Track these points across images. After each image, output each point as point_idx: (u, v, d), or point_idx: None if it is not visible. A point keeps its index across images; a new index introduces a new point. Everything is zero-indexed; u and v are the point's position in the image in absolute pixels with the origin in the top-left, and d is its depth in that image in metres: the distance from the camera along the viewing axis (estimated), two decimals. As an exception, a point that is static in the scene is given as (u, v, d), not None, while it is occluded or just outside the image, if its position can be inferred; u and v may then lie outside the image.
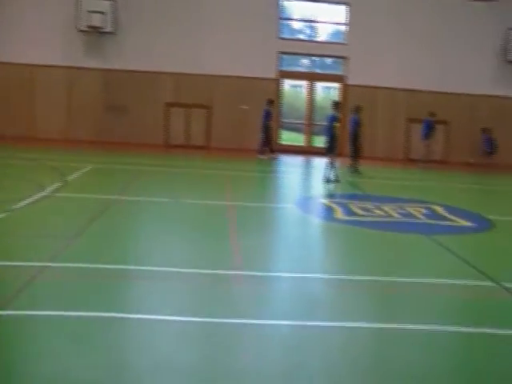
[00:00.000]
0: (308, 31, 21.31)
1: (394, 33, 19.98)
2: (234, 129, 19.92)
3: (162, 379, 3.89)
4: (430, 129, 18.62)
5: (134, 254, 6.85)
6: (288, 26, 21.12)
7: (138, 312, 4.96)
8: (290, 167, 17.13)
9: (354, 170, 15.26)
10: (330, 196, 11.98)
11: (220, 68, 19.68)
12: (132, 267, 6.25)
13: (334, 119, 13.62)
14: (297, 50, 20.61)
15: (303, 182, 13.91)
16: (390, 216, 9.70)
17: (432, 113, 18.68)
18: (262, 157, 17.57)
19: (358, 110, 15.24)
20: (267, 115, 17.82)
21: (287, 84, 22.45)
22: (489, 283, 6.45)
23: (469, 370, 4.43)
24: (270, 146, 17.94)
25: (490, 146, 19.23)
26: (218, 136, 19.97)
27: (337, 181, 13.21)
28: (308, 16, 20.88)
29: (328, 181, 13.19)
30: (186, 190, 11.32)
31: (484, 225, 9.61)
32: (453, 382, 4.25)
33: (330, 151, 13.48)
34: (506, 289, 6.27)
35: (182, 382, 3.89)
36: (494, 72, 20.40)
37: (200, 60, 19.59)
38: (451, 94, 20.07)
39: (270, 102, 18.01)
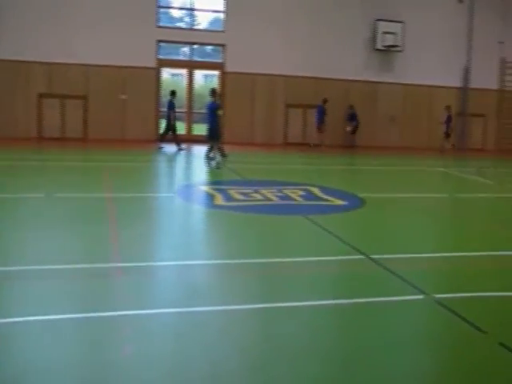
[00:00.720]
0: (187, 19, 21.18)
1: (272, 20, 20.39)
2: (113, 119, 19.41)
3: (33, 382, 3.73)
4: (322, 114, 19.50)
5: (1, 255, 6.48)
6: (167, 14, 20.84)
7: (7, 316, 4.71)
8: (172, 156, 17.00)
9: (222, 154, 15.55)
10: (210, 183, 12.06)
11: (95, 57, 19.03)
12: (0, 269, 5.92)
13: (215, 107, 13.74)
14: (176, 39, 20.44)
15: (184, 170, 13.90)
16: (269, 199, 9.96)
17: (325, 99, 19.56)
18: (162, 145, 17.56)
19: (213, 94, 14.49)
20: (170, 106, 17.60)
21: (167, 73, 22.21)
22: (360, 257, 6.85)
23: (349, 341, 4.70)
24: (176, 138, 17.71)
25: (355, 122, 20.30)
26: (95, 127, 19.35)
27: (218, 167, 13.39)
28: (186, 4, 20.72)
29: (210, 160, 13.56)
30: (62, 184, 10.88)
31: (356, 203, 10.17)
32: (332, 354, 4.47)
33: (213, 139, 13.66)
34: (375, 260, 6.69)
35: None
36: (365, 59, 21.50)
37: (74, 49, 18.82)
38: (327, 79, 20.89)
39: (173, 93, 17.70)
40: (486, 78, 22.17)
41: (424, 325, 5.18)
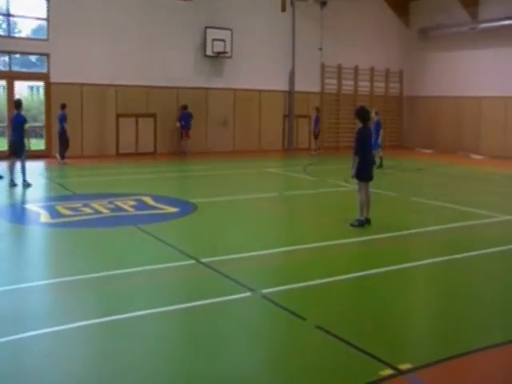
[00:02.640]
0: (4, 26, 19.74)
1: (100, 28, 19.80)
2: None
3: None
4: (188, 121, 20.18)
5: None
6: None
7: None
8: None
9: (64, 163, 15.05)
10: (34, 200, 11.34)
11: None
12: None
13: (22, 120, 13.10)
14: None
15: (6, 189, 12.86)
16: (99, 212, 9.72)
17: (184, 105, 20.05)
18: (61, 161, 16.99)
19: (18, 105, 13.53)
20: (62, 119, 16.81)
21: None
22: (191, 261, 6.97)
23: (185, 343, 4.85)
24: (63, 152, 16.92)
25: (187, 125, 20.51)
26: None
27: (14, 184, 12.76)
28: (2, 9, 19.32)
29: (13, 184, 12.73)
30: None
31: (188, 209, 10.31)
32: (176, 358, 4.51)
33: (16, 153, 13.00)
34: (205, 264, 6.85)
35: None
36: (195, 66, 21.80)
37: None
38: (158, 87, 20.83)
39: (64, 106, 16.42)
40: (309, 82, 23.71)
41: (251, 319, 5.45)
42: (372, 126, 16.86)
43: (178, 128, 20.60)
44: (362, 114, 9.02)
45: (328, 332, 4.96)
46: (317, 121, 21.74)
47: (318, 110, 21.87)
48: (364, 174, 8.88)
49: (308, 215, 10.40)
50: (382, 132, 16.78)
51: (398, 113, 26.23)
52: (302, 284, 6.27)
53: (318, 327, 5.06)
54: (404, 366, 4.33)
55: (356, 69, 24.94)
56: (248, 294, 5.91)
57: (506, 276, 6.96)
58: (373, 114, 17.01)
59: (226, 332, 5.05)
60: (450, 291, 6.35)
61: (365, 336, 4.96)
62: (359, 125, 9.00)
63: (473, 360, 4.64)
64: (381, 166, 16.32)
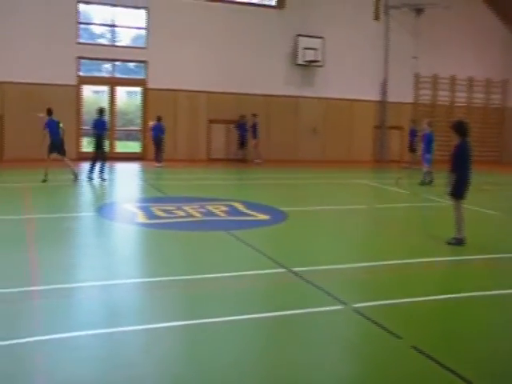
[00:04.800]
0: (109, 36, 20.86)
1: (193, 37, 20.45)
2: (31, 138, 18.69)
3: None
4: (255, 128, 20.07)
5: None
6: (87, 30, 20.46)
7: None
8: (92, 174, 16.56)
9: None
10: (133, 201, 11.87)
11: (11, 74, 18.38)
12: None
13: (105, 124, 14.76)
14: (97, 55, 20.08)
15: (105, 188, 13.61)
16: (192, 216, 9.95)
17: (254, 114, 19.88)
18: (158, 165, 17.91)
19: (101, 112, 14.99)
20: (160, 130, 17.82)
21: (89, 90, 21.76)
22: (282, 270, 6.96)
23: (274, 355, 4.79)
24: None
25: (254, 134, 20.52)
26: (11, 146, 18.63)
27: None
28: (107, 20, 20.41)
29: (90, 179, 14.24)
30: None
31: (279, 217, 10.33)
32: (258, 370, 4.52)
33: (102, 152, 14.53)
34: (296, 273, 6.82)
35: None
36: (286, 74, 21.94)
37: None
38: (248, 94, 21.15)
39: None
40: (402, 92, 23.18)
41: (343, 332, 5.33)
42: (422, 137, 16.18)
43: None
44: (461, 128, 8.63)
45: (423, 353, 4.77)
46: (412, 134, 20.68)
47: (413, 122, 21.01)
48: (460, 192, 8.51)
49: (399, 230, 10.13)
50: (433, 145, 15.73)
51: (498, 126, 25.03)
52: (393, 301, 6.08)
53: (414, 347, 4.89)
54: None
55: (453, 78, 24.10)
56: (340, 306, 5.81)
57: None
58: (425, 125, 16.34)
59: (316, 343, 4.99)
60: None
61: (461, 360, 4.73)
62: (457, 140, 8.64)
63: None
64: (429, 182, 15.33)
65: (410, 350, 4.86)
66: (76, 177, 14.10)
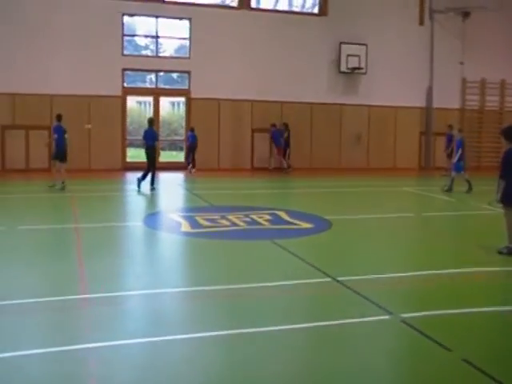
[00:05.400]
0: (152, 47, 21.25)
1: (236, 46, 20.63)
2: (79, 149, 19.20)
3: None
4: (282, 137, 19.85)
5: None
6: (132, 42, 20.91)
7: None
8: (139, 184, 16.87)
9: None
10: (177, 210, 11.98)
11: (60, 86, 18.93)
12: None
13: (155, 134, 15.03)
14: (141, 66, 20.48)
15: (151, 198, 13.80)
16: (236, 225, 9.96)
17: (285, 123, 19.94)
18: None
19: (151, 122, 15.24)
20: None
21: (133, 100, 22.20)
22: (327, 279, 6.87)
23: (321, 365, 4.71)
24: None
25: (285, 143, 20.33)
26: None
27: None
28: (152, 32, 20.80)
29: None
30: (24, 216, 10.72)
31: (323, 225, 10.23)
32: (309, 376, 4.47)
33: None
34: (342, 282, 6.73)
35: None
36: (329, 82, 21.85)
37: (40, 79, 18.68)
38: (292, 102, 21.14)
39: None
40: (448, 98, 22.72)
41: (391, 343, 5.22)
42: (454, 144, 15.61)
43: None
44: (511, 133, 8.39)
45: (475, 367, 4.61)
46: (449, 139, 19.60)
47: (450, 127, 19.86)
48: (511, 199, 8.23)
49: (447, 239, 9.88)
50: (460, 151, 15.13)
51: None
52: (441, 311, 5.91)
53: (465, 360, 4.73)
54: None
55: (502, 83, 23.48)
56: (387, 316, 5.69)
57: None
58: (455, 131, 15.71)
59: (362, 354, 4.89)
60: None
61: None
62: (507, 146, 8.37)
63: None
64: (469, 190, 14.95)
65: (460, 363, 4.71)
66: (63, 187, 14.15)
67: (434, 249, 9.20)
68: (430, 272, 7.50)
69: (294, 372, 4.55)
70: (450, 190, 15.17)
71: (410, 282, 7.10)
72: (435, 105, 22.55)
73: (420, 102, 22.71)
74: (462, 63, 22.33)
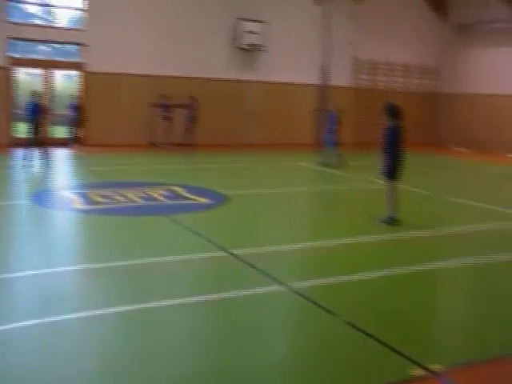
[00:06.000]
0: (44, 16, 20.02)
1: (135, 20, 19.99)
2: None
3: None
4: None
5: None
6: (20, 9, 19.58)
7: None
8: (26, 161, 16.00)
9: None
10: (69, 187, 11.54)
11: None
12: None
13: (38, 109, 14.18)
14: (31, 36, 19.27)
15: (40, 175, 13.13)
16: (132, 201, 9.82)
17: (191, 96, 19.50)
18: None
19: (33, 95, 14.35)
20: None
21: (25, 73, 20.90)
22: (222, 253, 6.98)
23: (217, 334, 4.86)
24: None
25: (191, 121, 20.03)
26: None
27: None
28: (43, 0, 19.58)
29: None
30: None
31: (220, 200, 10.33)
32: (203, 348, 4.57)
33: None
34: (236, 256, 6.86)
35: None
36: (228, 58, 21.82)
37: None
38: (192, 78, 20.89)
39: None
40: (341, 76, 23.49)
41: (280, 312, 5.43)
42: (327, 119, 16.15)
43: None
44: (392, 110, 8.88)
45: (358, 329, 4.92)
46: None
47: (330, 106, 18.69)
48: (393, 172, 8.76)
49: (337, 210, 10.34)
50: (335, 128, 15.72)
51: (432, 110, 25.83)
52: (331, 279, 6.23)
53: (349, 323, 5.03)
54: (435, 367, 4.27)
55: (390, 64, 24.64)
56: (278, 287, 5.90)
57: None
58: (330, 107, 16.35)
59: (254, 324, 5.06)
60: (480, 292, 6.25)
61: (396, 334, 4.91)
62: (389, 122, 8.85)
63: (508, 364, 4.55)
64: (332, 165, 15.39)
65: (344, 326, 5.00)
66: None
67: (325, 221, 9.62)
68: (320, 242, 7.84)
69: (189, 345, 4.65)
70: (333, 164, 15.57)
71: (302, 253, 7.39)
72: (329, 83, 23.25)
73: (316, 80, 23.30)
74: (352, 43, 23.14)
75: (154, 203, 9.78)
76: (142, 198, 10.12)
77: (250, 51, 21.90)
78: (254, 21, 21.50)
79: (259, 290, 5.80)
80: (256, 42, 21.61)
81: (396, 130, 8.81)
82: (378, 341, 4.69)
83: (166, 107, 19.85)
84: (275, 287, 5.89)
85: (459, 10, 24.63)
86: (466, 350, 4.80)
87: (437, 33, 25.56)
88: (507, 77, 22.55)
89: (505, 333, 5.14)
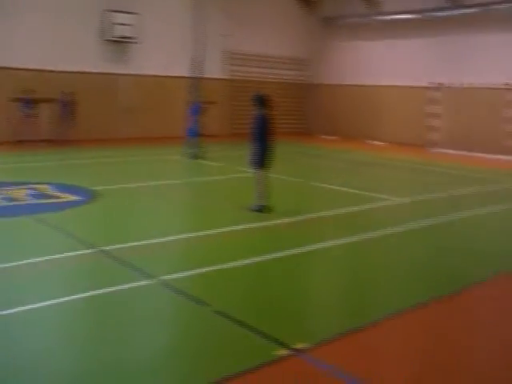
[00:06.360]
0: None
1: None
2: None
3: None
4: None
5: None
6: None
7: None
8: None
9: None
10: None
11: None
12: None
13: None
14: None
15: None
16: (-9, 202, 9.20)
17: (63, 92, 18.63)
18: None
19: None
20: None
21: None
22: (91, 250, 6.79)
23: (87, 333, 4.74)
24: None
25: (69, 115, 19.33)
26: None
27: None
28: None
29: None
30: None
31: (89, 196, 9.98)
32: (73, 347, 4.40)
33: None
34: (106, 252, 6.70)
35: None
36: (98, 50, 21.06)
37: None
38: (58, 72, 19.91)
39: None
40: (215, 68, 23.59)
41: (151, 306, 5.40)
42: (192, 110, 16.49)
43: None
44: (260, 100, 9.09)
45: (227, 316, 5.01)
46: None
47: (198, 96, 18.74)
48: (262, 161, 8.97)
49: (210, 201, 10.41)
50: (199, 118, 16.03)
51: (302, 100, 26.77)
52: (203, 269, 6.28)
53: (218, 312, 5.10)
54: (300, 346, 4.45)
55: (262, 55, 25.16)
56: (148, 281, 5.84)
57: (399, 254, 7.32)
58: (196, 98, 16.64)
59: (125, 320, 4.99)
60: (346, 270, 6.63)
61: (263, 318, 5.06)
62: (258, 111, 9.05)
63: (368, 334, 4.86)
64: (198, 156, 15.60)
65: (214, 315, 5.06)
66: None
67: (196, 212, 9.68)
68: (191, 234, 7.87)
69: (58, 346, 4.51)
70: (195, 156, 15.66)
71: (173, 245, 7.37)
72: (202, 75, 23.27)
73: (189, 72, 23.20)
74: (224, 35, 23.32)
75: (15, 203, 9.22)
76: (2, 199, 9.49)
77: (122, 43, 21.32)
78: (125, 12, 20.94)
79: (130, 285, 5.72)
80: (127, 34, 21.07)
81: (264, 119, 9.01)
82: (247, 326, 4.81)
83: (29, 102, 18.76)
84: (146, 281, 5.83)
85: (325, 4, 25.67)
86: (328, 326, 5.06)
87: (306, 25, 26.45)
88: (369, 68, 23.93)
89: (358, 307, 5.50)
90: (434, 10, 21.21)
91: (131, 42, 21.39)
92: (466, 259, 7.22)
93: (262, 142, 8.93)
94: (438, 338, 4.87)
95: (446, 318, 5.34)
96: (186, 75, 22.97)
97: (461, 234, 8.52)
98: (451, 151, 19.92)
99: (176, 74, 22.74)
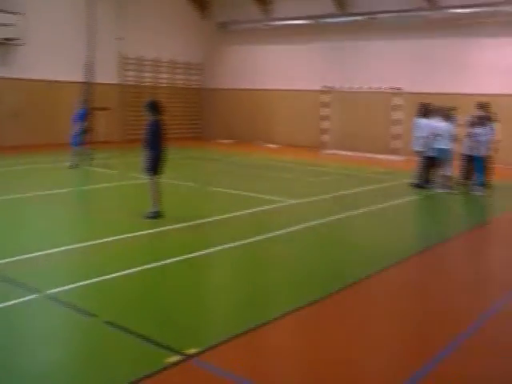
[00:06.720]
0: None
1: None
2: None
3: None
4: None
5: None
6: None
7: None
8: None
9: None
10: None
11: None
12: None
13: None
14: None
15: None
16: None
17: None
18: None
19: None
20: None
21: None
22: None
23: None
24: None
25: None
26: None
27: None
28: None
29: None
30: None
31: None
32: None
33: None
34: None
35: None
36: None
37: None
38: None
39: None
40: (108, 73, 22.98)
41: (37, 322, 5.17)
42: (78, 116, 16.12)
43: None
44: (153, 106, 9.04)
45: (118, 326, 4.93)
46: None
47: (85, 102, 17.87)
48: (155, 167, 8.92)
49: (103, 209, 10.15)
50: (86, 125, 15.80)
51: (198, 105, 26.79)
52: (93, 280, 6.11)
53: (108, 322, 5.00)
54: (193, 351, 4.47)
55: (157, 60, 24.90)
56: (33, 296, 5.60)
57: (289, 254, 7.54)
58: (82, 104, 16.34)
59: (9, 339, 4.75)
60: (238, 273, 6.74)
61: (155, 326, 5.03)
62: (151, 118, 8.98)
63: (261, 334, 4.97)
64: (84, 165, 15.10)
65: (103, 326, 4.96)
66: None
67: (88, 221, 9.38)
68: (81, 244, 7.61)
69: None
70: (80, 164, 15.06)
71: (61, 257, 7.10)
72: (95, 80, 22.62)
73: (81, 77, 22.46)
74: (119, 39, 22.83)
75: None
76: None
77: (4, 45, 20.22)
78: (6, 12, 19.87)
79: (11, 303, 5.44)
80: (10, 35, 20.00)
81: (157, 125, 8.97)
82: (137, 335, 4.75)
83: None
84: (32, 296, 5.59)
85: (219, 9, 25.85)
86: (221, 330, 5.11)
87: (201, 30, 26.48)
88: (264, 72, 24.42)
89: (251, 309, 5.62)
90: (324, 16, 22.06)
91: (15, 44, 20.36)
92: (351, 255, 7.60)
93: (156, 148, 8.87)
94: (327, 335, 5.08)
95: (334, 314, 5.57)
96: (78, 80, 22.28)
97: (345, 232, 8.93)
98: (342, 152, 20.80)
99: (67, 79, 21.96)
